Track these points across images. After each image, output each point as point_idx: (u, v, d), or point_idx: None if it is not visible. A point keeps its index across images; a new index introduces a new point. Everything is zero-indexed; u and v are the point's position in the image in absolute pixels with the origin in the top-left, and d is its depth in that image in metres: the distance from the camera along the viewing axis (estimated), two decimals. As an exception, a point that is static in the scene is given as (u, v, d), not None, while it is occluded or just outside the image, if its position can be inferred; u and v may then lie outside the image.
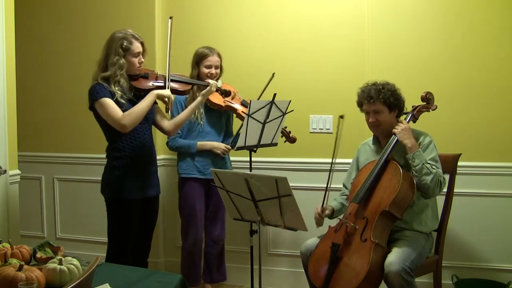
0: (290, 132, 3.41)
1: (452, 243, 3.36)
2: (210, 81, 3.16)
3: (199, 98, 3.11)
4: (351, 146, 3.19)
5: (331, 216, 2.94)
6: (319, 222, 2.86)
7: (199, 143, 3.40)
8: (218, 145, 3.42)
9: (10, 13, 3.13)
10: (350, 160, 3.14)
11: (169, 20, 3.04)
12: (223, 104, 3.35)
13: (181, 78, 3.14)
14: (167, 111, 2.99)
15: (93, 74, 2.94)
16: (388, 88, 2.82)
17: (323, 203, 2.84)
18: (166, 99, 2.91)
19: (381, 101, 2.80)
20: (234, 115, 3.45)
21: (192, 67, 3.44)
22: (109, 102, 2.81)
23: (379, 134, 2.92)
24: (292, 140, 3.43)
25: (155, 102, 2.99)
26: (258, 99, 3.25)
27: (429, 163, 2.70)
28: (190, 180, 3.43)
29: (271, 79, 3.30)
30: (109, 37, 2.93)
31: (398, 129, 2.78)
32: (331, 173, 2.80)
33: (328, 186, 2.79)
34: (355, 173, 3.01)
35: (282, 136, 3.39)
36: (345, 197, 3.01)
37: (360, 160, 3.03)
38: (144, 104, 2.86)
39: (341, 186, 3.11)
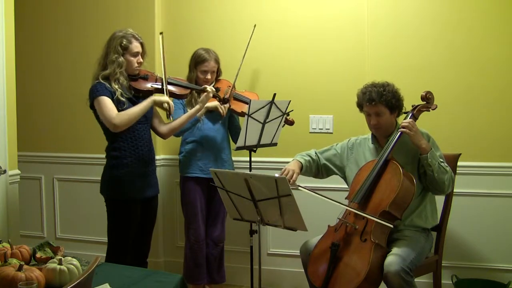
0: (288, 114, 3.40)
1: (452, 243, 3.36)
2: (208, 87, 3.12)
3: (197, 106, 3.11)
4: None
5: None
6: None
7: (199, 114, 3.20)
8: (216, 103, 3.27)
9: (10, 13, 3.13)
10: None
11: (160, 36, 3.08)
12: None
13: (179, 82, 3.14)
14: (168, 117, 2.98)
15: (94, 73, 2.94)
16: (389, 90, 2.79)
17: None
18: (166, 105, 2.93)
19: (382, 104, 2.77)
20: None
21: (190, 69, 3.43)
22: (106, 100, 2.81)
23: (380, 135, 2.92)
24: (290, 123, 3.42)
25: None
26: (241, 62, 3.34)
27: (442, 162, 2.71)
28: (192, 179, 3.43)
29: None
30: (110, 36, 2.95)
31: (411, 130, 2.68)
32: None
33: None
34: (334, 153, 3.01)
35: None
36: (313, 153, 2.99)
37: (356, 157, 2.98)
38: (139, 108, 2.87)
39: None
